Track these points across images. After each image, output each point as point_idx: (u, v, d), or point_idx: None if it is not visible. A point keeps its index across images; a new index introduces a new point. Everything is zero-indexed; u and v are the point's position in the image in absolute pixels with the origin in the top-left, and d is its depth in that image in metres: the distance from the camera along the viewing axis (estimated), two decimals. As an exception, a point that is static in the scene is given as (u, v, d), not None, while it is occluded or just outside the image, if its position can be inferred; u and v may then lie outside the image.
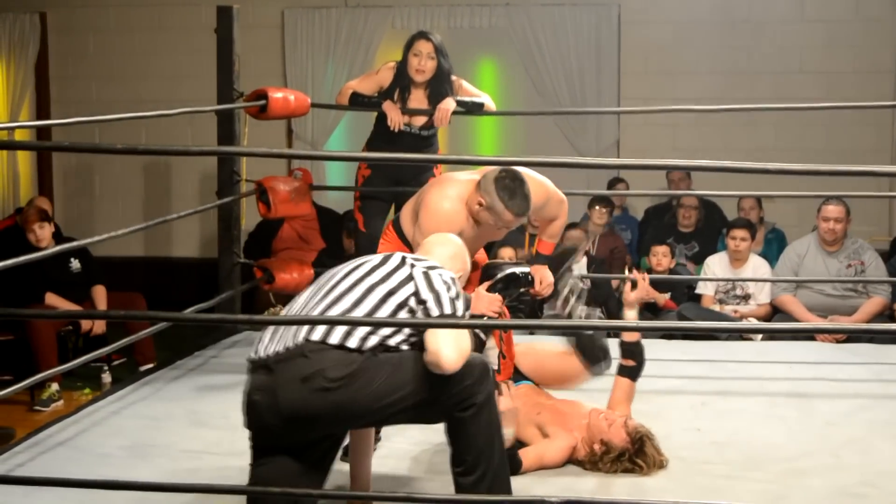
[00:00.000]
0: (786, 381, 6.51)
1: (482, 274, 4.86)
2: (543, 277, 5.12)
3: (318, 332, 3.74)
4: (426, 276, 3.89)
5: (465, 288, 4.34)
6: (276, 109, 7.08)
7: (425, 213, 4.79)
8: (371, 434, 4.40)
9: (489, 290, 4.72)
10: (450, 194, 4.82)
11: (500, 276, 4.79)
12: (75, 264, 8.30)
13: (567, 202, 5.18)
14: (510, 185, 4.67)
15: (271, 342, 3.83)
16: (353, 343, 3.74)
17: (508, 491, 3.97)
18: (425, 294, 3.84)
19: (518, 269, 4.84)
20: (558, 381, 5.35)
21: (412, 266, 3.94)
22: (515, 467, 4.78)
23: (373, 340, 3.77)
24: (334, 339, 3.74)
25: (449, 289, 3.90)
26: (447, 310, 3.83)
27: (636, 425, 4.97)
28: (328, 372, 3.70)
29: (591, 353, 5.19)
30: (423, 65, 6.58)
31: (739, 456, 5.17)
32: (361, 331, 3.76)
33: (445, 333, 3.71)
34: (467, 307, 4.22)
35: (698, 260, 9.11)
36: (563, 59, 10.78)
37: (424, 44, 6.57)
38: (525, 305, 4.92)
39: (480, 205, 4.73)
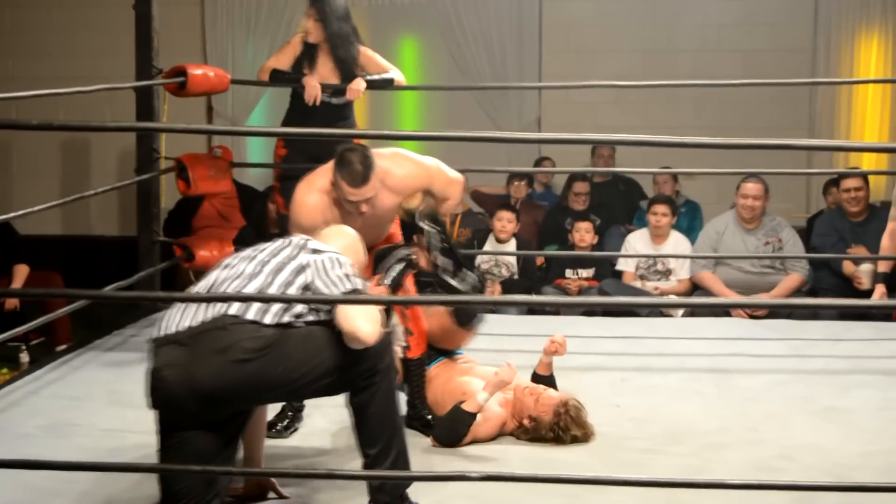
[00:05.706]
0: (705, 357, 6.58)
1: (373, 264, 4.86)
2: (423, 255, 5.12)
3: (235, 308, 3.82)
4: (321, 263, 3.97)
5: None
6: (195, 86, 7.03)
7: (291, 206, 4.83)
8: (264, 417, 4.41)
9: (380, 282, 4.76)
10: (316, 186, 4.80)
11: (380, 267, 4.83)
12: (-4, 244, 8.20)
13: (461, 182, 5.16)
14: (346, 157, 4.64)
15: (183, 319, 3.87)
16: (268, 319, 3.83)
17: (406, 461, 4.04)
18: (323, 278, 3.92)
19: (401, 253, 4.87)
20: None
21: (311, 252, 4.02)
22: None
23: (286, 318, 3.85)
24: (251, 314, 3.82)
25: (342, 266, 3.99)
26: (345, 286, 3.92)
27: (566, 398, 5.04)
28: (245, 343, 3.78)
29: (463, 314, 5.28)
30: (309, 26, 6.62)
31: (659, 431, 5.23)
32: (275, 308, 3.85)
33: (354, 310, 3.82)
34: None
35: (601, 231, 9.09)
36: (484, 37, 10.77)
37: (310, 8, 6.63)
38: (431, 279, 4.98)
39: (333, 185, 4.73)
